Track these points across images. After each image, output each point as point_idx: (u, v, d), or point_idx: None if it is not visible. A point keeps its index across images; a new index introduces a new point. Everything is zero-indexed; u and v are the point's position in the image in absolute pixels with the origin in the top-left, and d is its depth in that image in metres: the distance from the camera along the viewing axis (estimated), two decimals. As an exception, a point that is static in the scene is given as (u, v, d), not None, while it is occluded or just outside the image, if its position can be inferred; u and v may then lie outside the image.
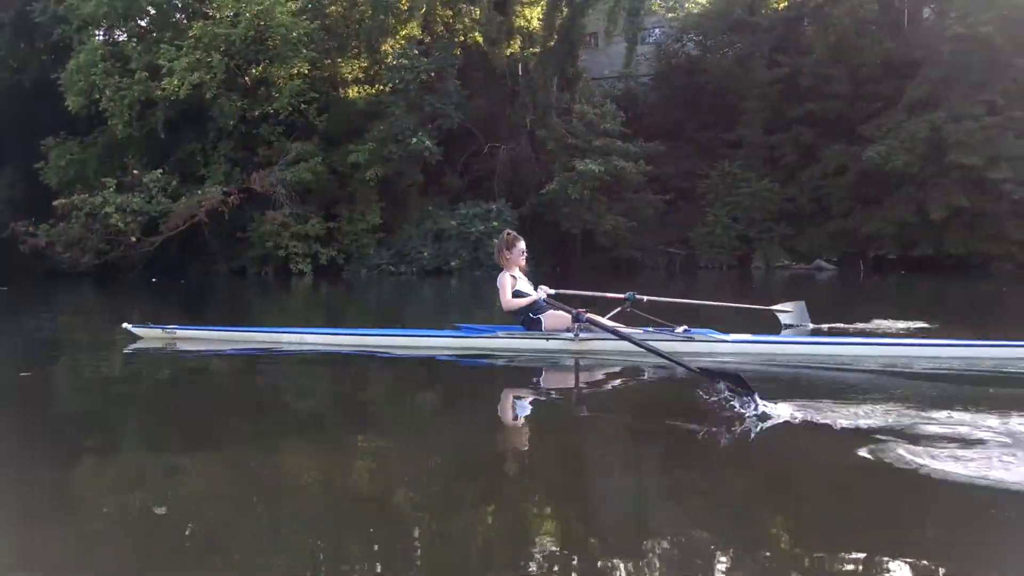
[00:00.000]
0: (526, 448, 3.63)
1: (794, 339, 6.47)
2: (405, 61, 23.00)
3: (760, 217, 25.45)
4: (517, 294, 6.07)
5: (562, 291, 6.40)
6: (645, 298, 6.45)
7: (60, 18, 24.32)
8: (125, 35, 25.87)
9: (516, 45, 25.06)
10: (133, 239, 21.96)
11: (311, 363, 6.13)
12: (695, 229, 25.86)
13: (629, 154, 23.99)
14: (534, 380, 5.45)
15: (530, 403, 4.65)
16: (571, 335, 5.72)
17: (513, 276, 6.11)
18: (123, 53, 23.45)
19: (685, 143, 27.16)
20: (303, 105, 23.37)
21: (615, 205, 24.80)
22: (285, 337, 6.57)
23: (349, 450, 3.61)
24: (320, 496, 2.94)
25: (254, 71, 23.69)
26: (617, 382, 5.21)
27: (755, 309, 7.83)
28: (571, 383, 5.43)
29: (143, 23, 24.02)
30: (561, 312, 5.84)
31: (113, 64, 22.89)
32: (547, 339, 5.87)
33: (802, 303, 7.58)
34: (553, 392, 5.15)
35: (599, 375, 5.47)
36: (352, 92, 24.86)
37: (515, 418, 4.27)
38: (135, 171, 22.34)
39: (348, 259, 24.60)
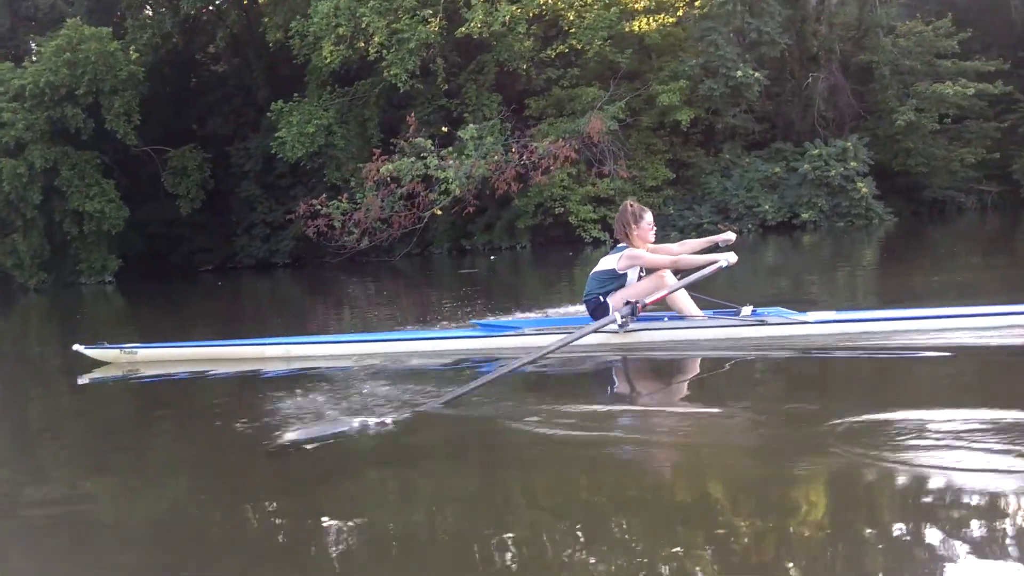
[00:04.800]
0: (565, 481, 2.89)
1: (891, 313, 4.93)
2: (727, -22, 19.28)
3: (1102, 145, 22.31)
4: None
5: None
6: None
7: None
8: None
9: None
10: (438, 211, 18.13)
11: (301, 383, 4.77)
12: (1017, 162, 22.64)
13: (978, 75, 20.63)
14: (573, 386, 4.65)
15: (571, 418, 3.63)
16: (615, 326, 4.73)
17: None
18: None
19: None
20: (598, 42, 19.60)
21: (942, 136, 21.56)
22: (269, 351, 5.57)
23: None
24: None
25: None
26: (682, 386, 4.38)
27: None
28: (621, 388, 4.59)
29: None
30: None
31: (380, 2, 18.85)
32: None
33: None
34: (599, 402, 4.12)
35: (658, 378, 4.77)
36: (639, 24, 21.04)
37: (551, 440, 3.29)
38: (444, 128, 18.38)
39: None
